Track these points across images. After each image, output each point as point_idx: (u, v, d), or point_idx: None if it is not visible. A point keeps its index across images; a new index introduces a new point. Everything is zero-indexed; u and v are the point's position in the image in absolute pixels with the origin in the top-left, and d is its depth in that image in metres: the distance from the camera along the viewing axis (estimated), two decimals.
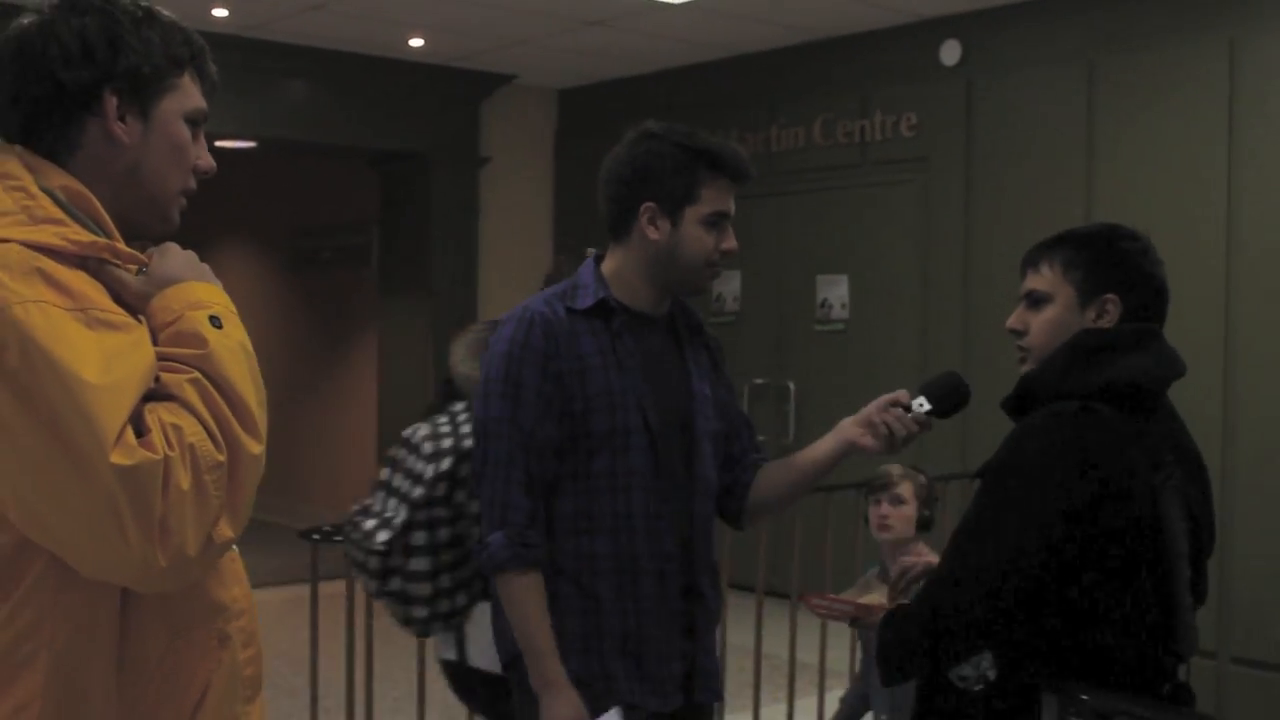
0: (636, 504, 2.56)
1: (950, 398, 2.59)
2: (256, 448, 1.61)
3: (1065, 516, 2.26)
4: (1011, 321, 2.52)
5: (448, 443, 3.01)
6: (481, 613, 3.02)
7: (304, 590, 4.69)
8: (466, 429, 2.98)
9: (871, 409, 2.60)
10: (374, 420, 9.97)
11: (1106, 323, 2.42)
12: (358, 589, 4.25)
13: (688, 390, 2.67)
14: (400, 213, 9.59)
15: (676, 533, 2.61)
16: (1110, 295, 2.41)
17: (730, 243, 2.61)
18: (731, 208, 2.61)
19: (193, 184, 1.83)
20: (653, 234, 2.58)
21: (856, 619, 2.62)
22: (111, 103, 1.71)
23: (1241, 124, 6.19)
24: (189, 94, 1.80)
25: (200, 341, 1.62)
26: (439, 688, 4.01)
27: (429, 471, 2.95)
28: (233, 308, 1.70)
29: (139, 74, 1.73)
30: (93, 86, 1.70)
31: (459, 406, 3.13)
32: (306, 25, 7.85)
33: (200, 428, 1.55)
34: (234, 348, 1.65)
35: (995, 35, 7.22)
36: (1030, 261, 2.51)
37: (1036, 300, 2.48)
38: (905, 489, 3.93)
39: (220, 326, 1.65)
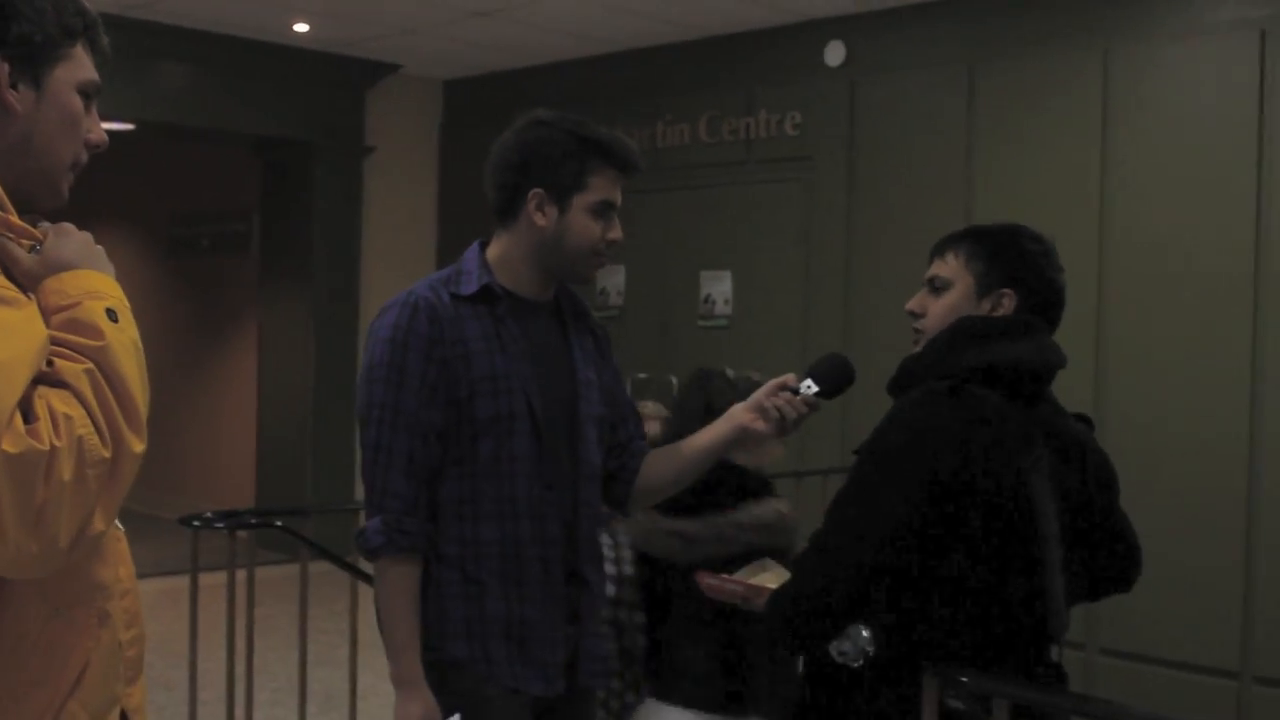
0: (520, 489, 2.57)
1: (836, 378, 2.64)
2: (139, 446, 1.59)
3: (931, 489, 2.32)
4: (911, 304, 2.59)
5: (610, 569, 3.22)
6: (647, 710, 3.42)
7: (179, 582, 4.63)
8: (627, 554, 3.38)
9: (761, 393, 2.65)
10: (253, 410, 9.84)
11: (999, 315, 2.49)
12: (238, 579, 4.22)
13: (572, 376, 2.67)
14: (282, 200, 9.48)
15: (560, 518, 2.62)
16: (1006, 290, 2.50)
17: (616, 232, 2.63)
18: (619, 198, 2.63)
19: (84, 157, 1.81)
20: (540, 220, 2.58)
21: (745, 599, 2.65)
22: (3, 70, 1.69)
23: (1114, 129, 6.37)
24: (82, 64, 1.78)
25: (97, 333, 1.60)
26: (319, 676, 3.99)
27: None
28: (126, 302, 1.69)
29: (31, 42, 1.71)
30: None
31: (619, 531, 3.40)
32: (190, 6, 7.72)
33: (89, 421, 1.53)
34: (127, 344, 1.63)
35: (878, 38, 7.33)
36: (938, 250, 2.60)
37: (937, 286, 2.56)
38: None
39: (116, 320, 1.63)
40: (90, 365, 1.56)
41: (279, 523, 4.50)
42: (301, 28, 8.24)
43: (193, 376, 10.77)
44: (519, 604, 2.57)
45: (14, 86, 1.70)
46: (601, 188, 2.59)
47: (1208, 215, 6.05)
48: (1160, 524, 5.95)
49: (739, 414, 2.68)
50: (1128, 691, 6.05)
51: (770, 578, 2.68)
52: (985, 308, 2.51)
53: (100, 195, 9.94)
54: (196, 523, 4.17)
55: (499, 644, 2.56)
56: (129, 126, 8.63)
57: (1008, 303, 2.50)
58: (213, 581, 4.28)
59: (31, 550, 1.49)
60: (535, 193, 2.57)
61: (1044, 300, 2.53)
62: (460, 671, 2.55)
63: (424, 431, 2.52)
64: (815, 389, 2.62)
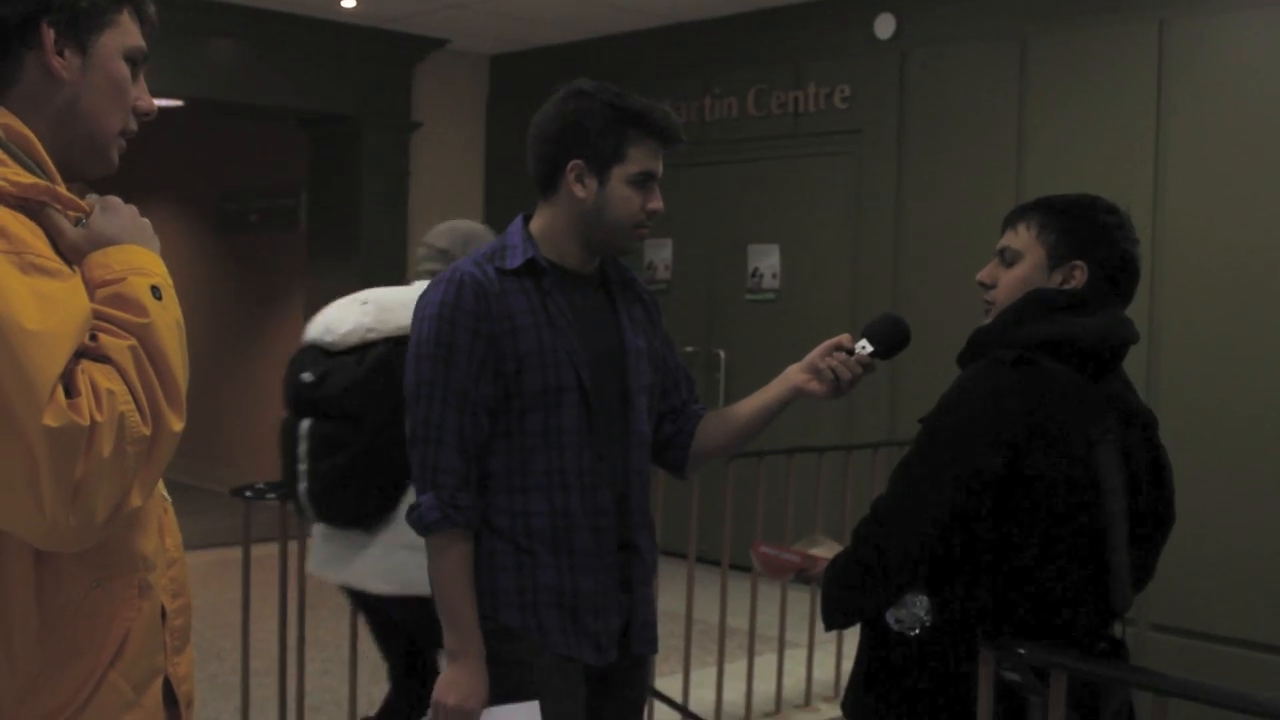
0: (570, 461, 2.56)
1: (892, 338, 2.62)
2: (178, 425, 1.60)
3: (995, 459, 2.30)
4: (982, 274, 2.57)
5: None
6: None
7: (227, 554, 4.66)
8: None
9: (815, 354, 2.64)
10: None
11: (1070, 288, 2.46)
12: (291, 550, 4.24)
13: (621, 346, 2.66)
14: (330, 176, 9.50)
15: (611, 488, 2.61)
16: (1078, 262, 2.46)
17: (656, 203, 2.60)
18: (659, 169, 2.60)
19: (133, 125, 1.80)
20: (579, 192, 2.56)
21: (803, 570, 2.63)
22: (49, 35, 1.69)
23: (1169, 103, 6.28)
24: (128, 31, 1.78)
25: (142, 310, 1.60)
26: (368, 647, 4.01)
27: None
28: (170, 280, 1.69)
29: (77, 7, 1.70)
30: (30, 18, 1.68)
31: None
32: None
33: (130, 398, 1.54)
34: (170, 323, 1.63)
35: (929, 10, 7.26)
36: (1010, 220, 2.56)
37: (1009, 258, 2.53)
38: None
39: (160, 298, 1.63)
40: (134, 342, 1.57)
41: None
42: (349, 3, 8.24)
43: (240, 351, 10.83)
44: (571, 574, 2.57)
45: (60, 53, 1.70)
46: (640, 159, 2.56)
47: (1264, 189, 5.96)
48: (1214, 501, 5.91)
49: (793, 375, 2.67)
50: (1179, 667, 6.00)
51: (824, 550, 2.66)
52: (1056, 280, 2.47)
53: (149, 172, 10.02)
54: (249, 493, 4.19)
55: (551, 613, 2.56)
56: (178, 103, 8.68)
57: (1079, 275, 2.46)
58: (262, 553, 4.30)
59: (68, 524, 1.50)
60: (574, 164, 2.56)
61: (1117, 273, 2.48)
62: (514, 640, 2.55)
63: (473, 407, 2.51)
64: (870, 349, 2.60)
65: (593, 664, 2.60)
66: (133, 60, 1.78)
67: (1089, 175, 6.35)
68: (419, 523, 2.52)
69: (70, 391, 1.49)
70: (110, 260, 1.63)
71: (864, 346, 2.61)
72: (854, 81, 7.57)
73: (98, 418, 1.49)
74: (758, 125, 8.05)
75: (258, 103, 8.86)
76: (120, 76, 1.77)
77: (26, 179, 1.60)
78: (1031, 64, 6.79)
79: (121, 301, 1.60)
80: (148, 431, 1.55)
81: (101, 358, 1.54)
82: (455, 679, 2.51)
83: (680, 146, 2.63)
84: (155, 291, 1.63)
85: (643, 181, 2.58)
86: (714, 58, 8.27)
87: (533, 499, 2.56)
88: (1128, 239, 2.51)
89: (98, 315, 1.57)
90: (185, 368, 1.64)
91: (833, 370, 2.61)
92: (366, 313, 3.58)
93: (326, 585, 3.78)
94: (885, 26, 7.43)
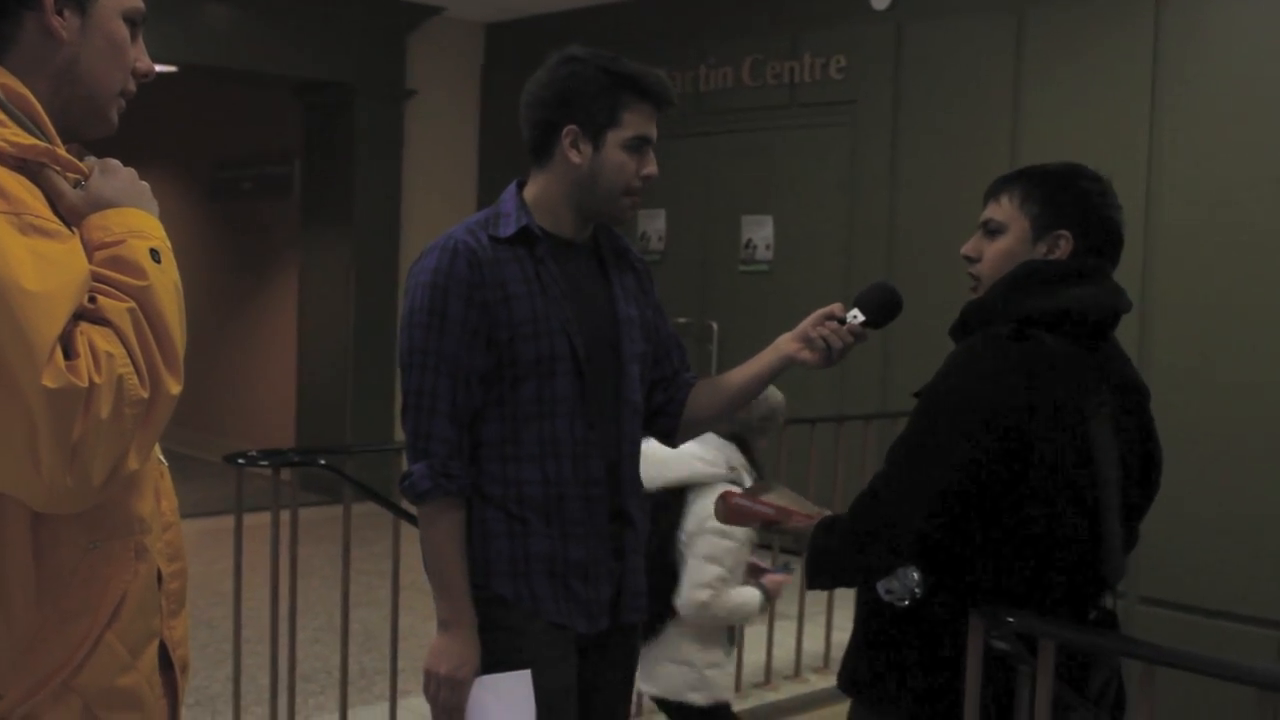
0: (563, 430, 2.56)
1: (884, 307, 2.62)
2: (176, 388, 1.61)
3: (993, 434, 2.30)
4: (966, 248, 2.56)
5: None
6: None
7: (220, 522, 4.66)
8: None
9: (807, 323, 2.64)
10: (293, 353, 9.88)
11: (1057, 258, 2.45)
12: (282, 519, 4.25)
13: (613, 315, 2.66)
14: (324, 144, 9.47)
15: (604, 457, 2.62)
16: (1063, 232, 2.45)
17: (651, 167, 2.60)
18: (653, 133, 2.60)
19: (132, 86, 1.81)
20: (575, 157, 2.56)
21: (775, 522, 2.63)
22: None
23: (1164, 78, 6.26)
24: None
25: (141, 273, 1.60)
26: (359, 616, 4.02)
27: None
28: (169, 244, 1.69)
29: None
30: None
31: None
32: None
33: (129, 360, 1.54)
34: (169, 286, 1.64)
35: None
36: (992, 192, 2.55)
37: (992, 230, 2.52)
38: None
39: (159, 261, 1.64)
40: (133, 304, 1.57)
41: (322, 461, 4.51)
42: None
43: (234, 319, 10.82)
44: (563, 543, 2.58)
45: (59, 13, 1.70)
46: (635, 123, 2.56)
47: (1257, 164, 5.96)
48: (1202, 474, 5.92)
49: (785, 344, 2.67)
50: (1167, 639, 6.00)
51: (779, 498, 2.66)
52: (1041, 250, 2.46)
53: (143, 138, 9.94)
54: (241, 460, 4.19)
55: (543, 581, 2.57)
56: (172, 69, 8.63)
57: (1065, 245, 2.45)
58: (254, 522, 4.30)
59: (65, 484, 1.50)
60: (569, 129, 2.55)
61: (1102, 240, 2.48)
62: (506, 608, 2.56)
63: (466, 376, 2.51)
64: (862, 318, 2.60)
65: (584, 632, 2.61)
66: (131, 21, 1.79)
67: (1084, 148, 6.32)
68: (411, 491, 2.53)
69: (69, 353, 1.49)
70: (109, 223, 1.63)
71: (855, 315, 2.61)
72: (850, 52, 7.54)
73: (96, 379, 1.49)
74: (753, 95, 8.02)
75: (252, 69, 8.82)
76: (119, 37, 1.77)
77: (26, 140, 1.60)
78: (1028, 37, 6.77)
79: (120, 264, 1.60)
80: (146, 394, 1.55)
81: (100, 320, 1.54)
82: (447, 648, 2.52)
83: (673, 109, 2.63)
84: (154, 254, 1.63)
85: (637, 146, 2.57)
86: (709, 27, 8.24)
87: (525, 468, 2.56)
88: (1110, 205, 2.50)
89: (96, 277, 1.58)
90: (183, 331, 1.64)
91: (824, 339, 2.61)
92: None
93: (317, 554, 3.78)
94: None
